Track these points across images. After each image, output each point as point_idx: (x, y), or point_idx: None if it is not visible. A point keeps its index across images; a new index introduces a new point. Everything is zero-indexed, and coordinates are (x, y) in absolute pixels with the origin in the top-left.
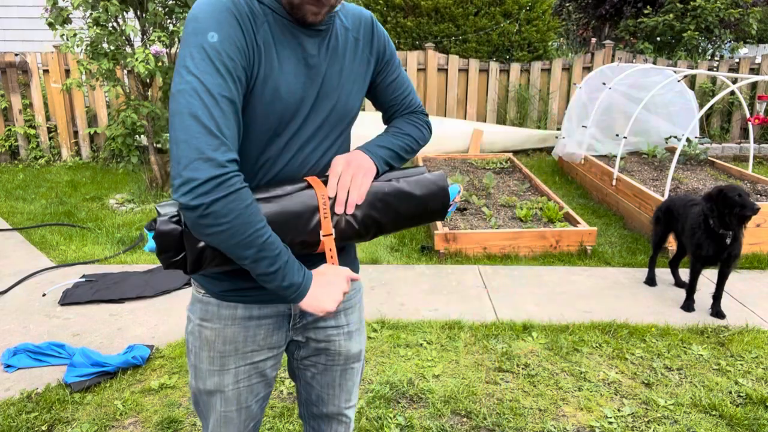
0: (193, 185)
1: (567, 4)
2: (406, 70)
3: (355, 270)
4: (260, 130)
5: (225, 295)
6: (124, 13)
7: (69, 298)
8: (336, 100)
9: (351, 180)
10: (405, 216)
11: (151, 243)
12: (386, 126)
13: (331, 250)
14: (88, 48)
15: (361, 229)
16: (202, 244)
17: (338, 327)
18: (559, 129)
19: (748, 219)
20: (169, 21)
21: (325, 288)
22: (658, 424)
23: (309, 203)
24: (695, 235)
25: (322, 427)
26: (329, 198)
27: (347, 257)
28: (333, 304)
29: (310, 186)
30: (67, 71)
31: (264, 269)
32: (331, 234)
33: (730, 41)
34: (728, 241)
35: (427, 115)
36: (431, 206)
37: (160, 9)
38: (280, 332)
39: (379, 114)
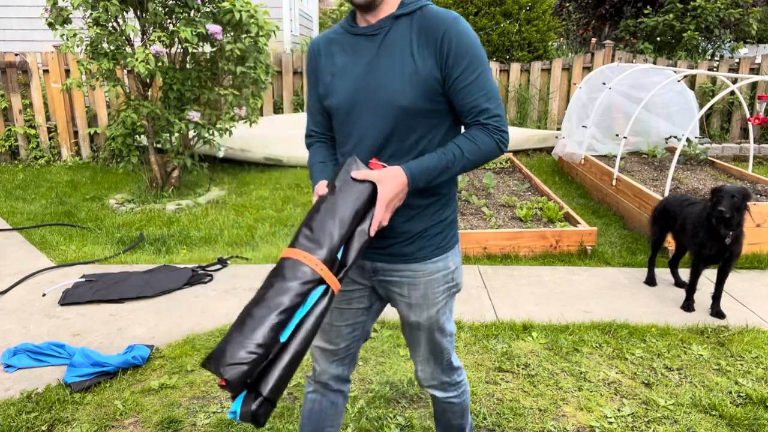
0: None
1: (567, 4)
2: None
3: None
4: (333, 113)
5: None
6: (124, 13)
7: (69, 298)
8: (384, 91)
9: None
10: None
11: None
12: None
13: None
14: (88, 48)
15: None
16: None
17: (402, 296)
18: (559, 129)
19: (721, 221)
20: (169, 21)
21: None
22: (658, 424)
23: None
24: (698, 234)
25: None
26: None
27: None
28: None
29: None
30: (67, 71)
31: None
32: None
33: (730, 41)
34: (728, 241)
35: (497, 127)
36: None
37: (160, 9)
38: (364, 277)
39: None
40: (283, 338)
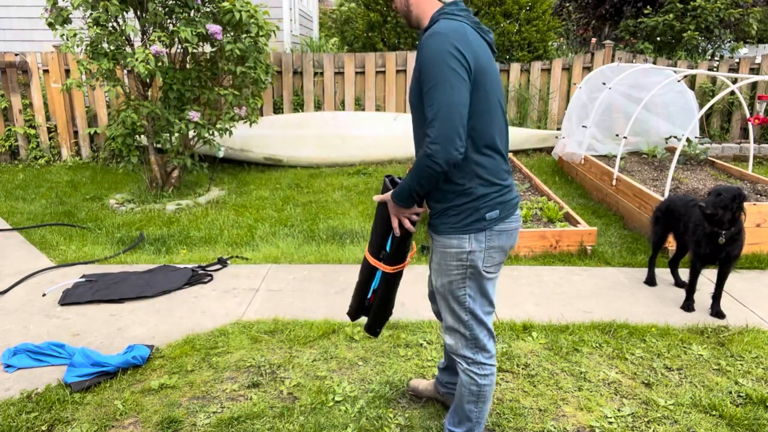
0: None
1: (567, 4)
2: (405, 70)
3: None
4: None
5: None
6: (124, 13)
7: (69, 298)
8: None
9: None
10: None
11: None
12: None
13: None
14: (88, 48)
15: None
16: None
17: (431, 258)
18: (559, 129)
19: (705, 217)
20: (169, 21)
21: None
22: (658, 424)
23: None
24: (695, 232)
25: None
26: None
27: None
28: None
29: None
30: (67, 71)
31: None
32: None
33: (730, 41)
34: (720, 240)
35: (430, 141)
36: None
37: (160, 9)
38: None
39: (372, 114)
40: (366, 300)
